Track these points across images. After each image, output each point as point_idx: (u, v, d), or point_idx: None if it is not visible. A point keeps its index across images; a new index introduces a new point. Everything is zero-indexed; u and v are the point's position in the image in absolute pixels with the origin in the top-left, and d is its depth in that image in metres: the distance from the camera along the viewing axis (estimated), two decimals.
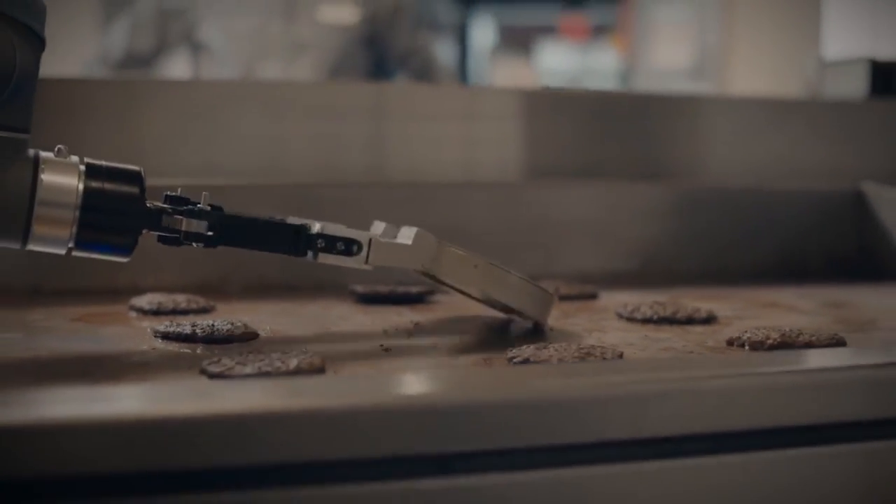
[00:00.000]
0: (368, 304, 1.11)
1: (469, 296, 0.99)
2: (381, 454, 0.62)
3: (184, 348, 0.88)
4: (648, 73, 5.55)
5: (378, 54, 2.69)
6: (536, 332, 0.95)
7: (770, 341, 0.87)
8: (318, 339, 0.93)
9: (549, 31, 8.83)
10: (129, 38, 2.64)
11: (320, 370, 0.77)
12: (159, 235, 0.86)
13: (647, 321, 1.01)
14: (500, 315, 1.01)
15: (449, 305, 1.10)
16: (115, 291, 1.11)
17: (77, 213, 0.80)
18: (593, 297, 1.18)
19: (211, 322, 0.93)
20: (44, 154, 0.81)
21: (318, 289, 1.16)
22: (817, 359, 0.78)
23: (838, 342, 0.87)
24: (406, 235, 0.91)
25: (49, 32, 0.83)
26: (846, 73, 1.72)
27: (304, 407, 0.61)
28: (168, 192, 0.87)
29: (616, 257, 1.35)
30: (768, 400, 0.68)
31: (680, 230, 1.38)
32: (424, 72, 2.73)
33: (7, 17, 0.78)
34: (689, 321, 1.01)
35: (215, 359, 0.78)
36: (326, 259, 0.89)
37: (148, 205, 0.84)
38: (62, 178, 0.80)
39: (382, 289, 1.13)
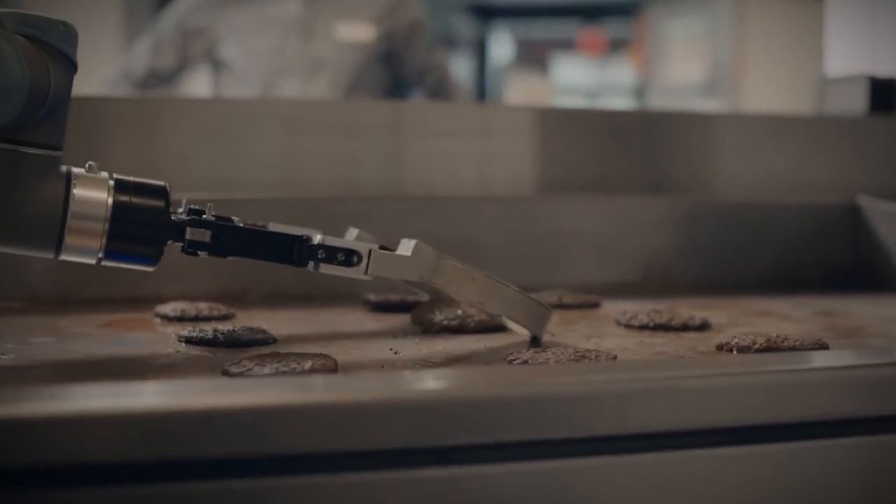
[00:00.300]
0: (381, 312, 1.17)
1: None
2: (387, 446, 0.67)
3: (206, 352, 0.94)
4: (662, 88, 5.59)
5: (394, 71, 2.76)
6: (534, 343, 1.00)
7: (756, 346, 0.92)
8: (332, 343, 0.99)
9: (566, 45, 8.87)
10: (151, 56, 2.71)
11: (333, 371, 0.83)
12: (182, 246, 0.91)
13: (643, 328, 1.07)
14: (502, 321, 1.06)
15: None
16: (141, 300, 1.17)
17: (107, 226, 0.86)
18: (595, 305, 1.23)
19: (231, 328, 0.99)
20: (75, 170, 0.87)
21: (333, 298, 1.21)
22: (792, 360, 0.83)
23: (821, 347, 0.93)
24: (406, 247, 0.95)
25: None
26: (847, 90, 1.77)
27: (316, 401, 0.67)
28: (191, 206, 0.92)
29: (619, 268, 1.40)
30: (743, 398, 0.73)
31: (681, 242, 1.43)
32: (440, 88, 2.79)
33: (42, 42, 0.83)
34: (684, 328, 1.06)
35: (235, 361, 0.84)
36: (327, 270, 0.93)
37: (173, 217, 0.90)
38: (93, 193, 0.86)
39: (394, 297, 1.19)
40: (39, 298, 1.19)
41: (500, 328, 1.05)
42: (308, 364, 0.82)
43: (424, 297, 1.19)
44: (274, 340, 0.98)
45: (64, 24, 0.85)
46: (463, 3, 8.88)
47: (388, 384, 0.74)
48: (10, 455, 0.61)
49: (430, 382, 0.75)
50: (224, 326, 1.00)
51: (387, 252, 0.95)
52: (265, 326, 1.01)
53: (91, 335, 1.02)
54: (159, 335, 1.03)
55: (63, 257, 0.87)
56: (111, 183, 0.87)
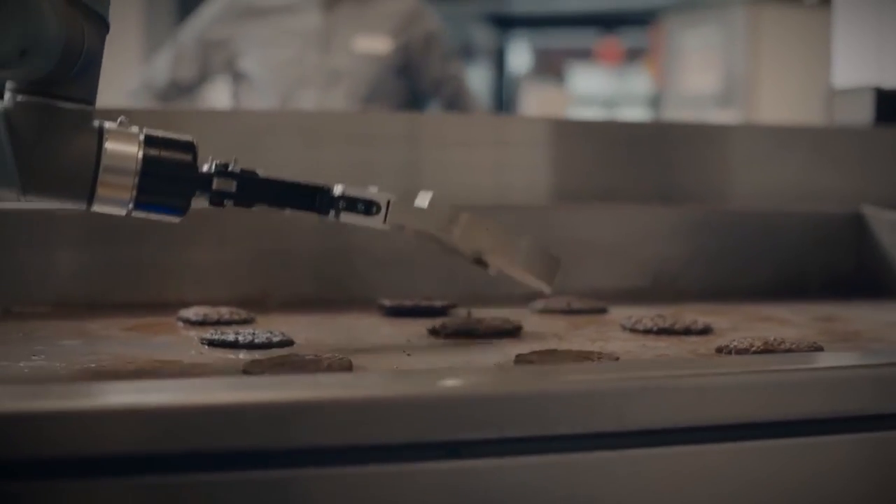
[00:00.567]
0: (395, 317, 1.21)
1: (481, 264, 1.06)
2: (398, 440, 0.71)
3: (227, 354, 0.98)
4: (678, 98, 5.63)
5: (410, 83, 2.81)
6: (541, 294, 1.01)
7: (754, 348, 0.96)
8: (348, 345, 1.03)
9: (584, 54, 8.90)
10: (172, 68, 2.76)
11: (348, 370, 0.87)
12: (209, 199, 0.94)
13: (647, 332, 1.11)
14: (513, 326, 1.10)
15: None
16: (164, 305, 1.22)
17: (137, 178, 0.89)
18: (603, 311, 1.27)
19: (252, 331, 1.04)
20: (108, 124, 0.90)
21: (349, 303, 1.26)
22: (785, 362, 0.87)
23: (816, 350, 0.96)
24: (423, 199, 0.98)
25: None
26: (853, 101, 1.80)
27: (331, 398, 0.71)
28: (217, 162, 0.95)
29: (628, 275, 1.44)
30: (737, 397, 0.77)
31: (689, 250, 1.47)
32: (456, 99, 2.84)
33: (78, 2, 0.86)
34: (687, 332, 1.10)
35: (255, 361, 0.88)
36: (347, 218, 0.96)
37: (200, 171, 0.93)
38: (124, 147, 0.89)
39: (408, 303, 1.24)
40: (67, 303, 1.24)
41: (509, 333, 1.09)
42: (324, 364, 0.87)
43: (437, 303, 1.23)
44: (292, 343, 1.02)
45: None
46: (481, 13, 8.93)
47: (399, 382, 0.79)
48: (46, 446, 0.65)
49: (440, 381, 0.79)
50: (244, 330, 1.05)
51: (405, 203, 0.97)
52: (283, 330, 1.05)
53: (117, 338, 1.07)
54: (182, 338, 1.07)
55: (95, 208, 0.91)
56: (141, 137, 0.90)
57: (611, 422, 0.75)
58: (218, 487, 0.69)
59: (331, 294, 1.30)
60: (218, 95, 3.25)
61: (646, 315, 1.15)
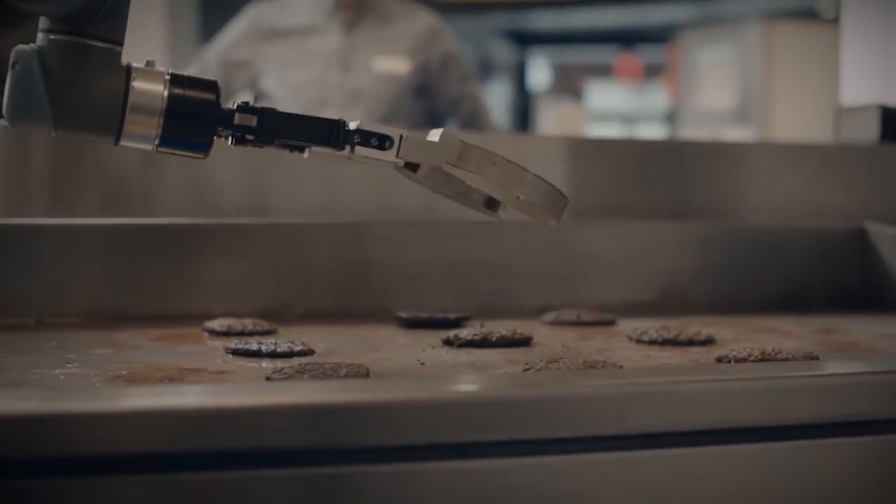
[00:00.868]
0: (411, 328, 1.26)
1: (493, 207, 1.07)
2: (411, 441, 0.76)
3: (251, 362, 1.03)
4: (694, 114, 5.67)
5: (428, 102, 2.87)
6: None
7: (752, 358, 1.01)
8: (365, 354, 1.09)
9: (603, 70, 8.94)
10: None
11: (365, 377, 0.92)
12: (232, 137, 0.97)
13: (652, 342, 1.16)
14: (523, 337, 1.15)
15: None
16: (190, 317, 1.27)
17: (162, 116, 0.93)
18: (611, 323, 1.32)
19: (274, 341, 1.09)
20: (135, 64, 0.94)
21: (367, 315, 1.32)
22: (779, 370, 0.91)
23: (811, 359, 1.01)
24: (434, 135, 0.99)
25: None
26: (859, 119, 1.85)
27: (348, 401, 0.76)
28: (239, 102, 0.97)
29: (637, 289, 1.49)
30: (732, 402, 0.82)
31: (696, 265, 1.51)
32: (472, 117, 2.90)
33: None
34: (690, 343, 1.15)
35: (278, 368, 0.94)
36: (362, 152, 0.98)
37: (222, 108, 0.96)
38: (151, 86, 0.92)
39: (423, 315, 1.29)
40: (96, 315, 1.29)
41: (519, 343, 1.15)
42: (343, 371, 0.92)
43: (451, 316, 1.28)
44: (312, 352, 1.07)
45: None
46: (501, 29, 8.99)
47: (413, 387, 0.84)
48: (82, 445, 0.71)
49: (451, 386, 0.84)
50: (267, 340, 1.10)
51: (417, 136, 0.99)
52: (304, 340, 1.10)
53: (146, 347, 1.12)
54: (208, 348, 1.12)
55: (123, 143, 0.94)
56: (167, 77, 0.93)
57: (611, 425, 0.80)
58: (244, 485, 0.74)
59: (349, 306, 1.35)
60: None
61: (651, 326, 1.19)
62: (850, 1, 2.09)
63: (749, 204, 1.68)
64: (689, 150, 1.71)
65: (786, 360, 1.00)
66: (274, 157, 1.50)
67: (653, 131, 7.97)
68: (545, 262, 1.47)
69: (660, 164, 1.66)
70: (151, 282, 1.32)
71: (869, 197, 1.70)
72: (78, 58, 0.91)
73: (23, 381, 0.95)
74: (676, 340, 1.15)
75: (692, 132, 5.51)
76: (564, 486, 0.79)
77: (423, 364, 1.04)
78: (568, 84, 9.37)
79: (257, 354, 1.05)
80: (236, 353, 1.06)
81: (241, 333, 1.19)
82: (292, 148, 0.99)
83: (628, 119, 8.36)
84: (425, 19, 2.90)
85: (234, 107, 0.96)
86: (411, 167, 1.00)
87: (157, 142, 0.93)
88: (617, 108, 8.40)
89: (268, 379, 0.92)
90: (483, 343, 1.14)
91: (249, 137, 0.96)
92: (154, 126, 0.92)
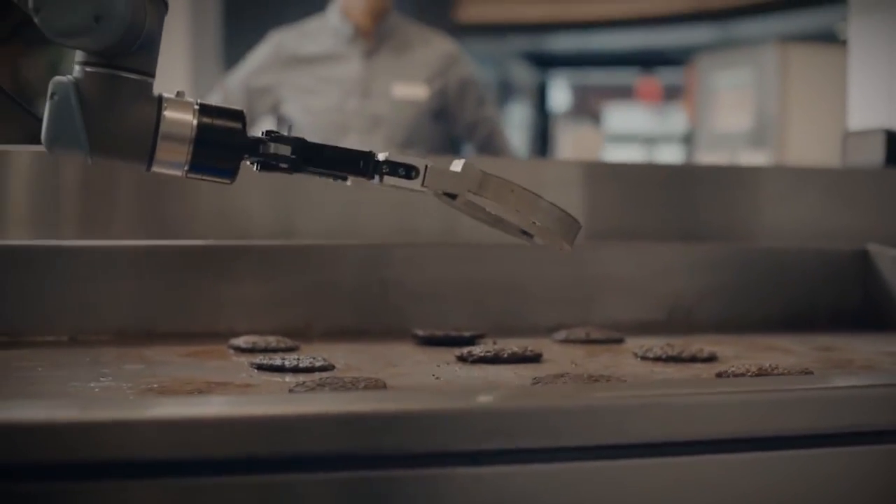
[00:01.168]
0: (427, 346, 1.32)
1: (503, 226, 1.13)
2: (424, 449, 0.82)
3: (275, 377, 1.09)
4: (711, 136, 5.72)
5: (446, 127, 2.93)
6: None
7: (749, 373, 1.06)
8: (383, 370, 1.14)
9: (623, 92, 8.99)
10: None
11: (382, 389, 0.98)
12: (259, 163, 1.02)
13: (657, 359, 1.21)
14: (534, 353, 1.21)
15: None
16: (216, 334, 1.33)
17: (191, 144, 0.98)
18: (620, 341, 1.37)
19: (296, 357, 1.15)
20: (166, 95, 1.00)
21: (385, 333, 1.37)
22: (773, 384, 0.97)
23: (806, 374, 1.06)
24: (457, 165, 1.05)
25: None
26: (865, 143, 1.90)
27: (366, 411, 0.81)
28: (267, 130, 1.03)
29: (646, 308, 1.54)
30: (727, 413, 0.87)
31: (703, 285, 1.57)
32: (489, 141, 2.96)
33: None
34: (693, 359, 1.20)
35: (300, 382, 1.00)
36: (390, 181, 1.04)
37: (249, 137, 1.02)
38: (181, 115, 0.98)
39: (439, 333, 1.34)
40: (127, 332, 1.36)
41: (530, 359, 1.20)
42: (361, 385, 0.98)
43: (466, 333, 1.34)
44: (332, 367, 1.13)
45: None
46: (522, 51, 9.06)
47: (426, 398, 0.89)
48: (118, 450, 0.76)
49: (462, 398, 0.89)
50: (290, 356, 1.16)
51: (440, 167, 1.05)
52: (325, 356, 1.16)
53: (175, 363, 1.18)
54: (234, 363, 1.18)
55: (154, 169, 1.00)
56: (196, 107, 0.99)
57: (613, 435, 0.85)
58: (272, 489, 0.79)
59: (368, 324, 1.41)
60: None
61: (657, 344, 1.25)
62: (858, 26, 2.14)
63: (759, 226, 1.73)
64: (702, 175, 1.77)
65: (781, 375, 1.05)
66: (298, 182, 1.56)
67: (671, 153, 8.02)
68: (558, 283, 1.53)
69: (674, 187, 1.72)
70: (180, 301, 1.38)
71: (873, 219, 1.75)
72: (112, 89, 0.97)
73: (61, 393, 1.01)
74: (680, 357, 1.20)
75: (709, 155, 5.56)
76: (568, 491, 0.85)
77: (437, 379, 1.09)
78: (587, 106, 9.43)
79: (281, 369, 1.11)
80: (261, 368, 1.12)
81: (265, 350, 1.24)
82: (323, 175, 1.04)
83: (647, 141, 8.40)
84: (443, 46, 2.97)
85: (262, 135, 1.02)
86: (450, 195, 1.05)
87: (186, 168, 0.99)
88: (636, 129, 8.45)
89: (291, 391, 0.98)
90: (495, 359, 1.19)
91: (283, 166, 1.02)
92: (184, 153, 0.98)
